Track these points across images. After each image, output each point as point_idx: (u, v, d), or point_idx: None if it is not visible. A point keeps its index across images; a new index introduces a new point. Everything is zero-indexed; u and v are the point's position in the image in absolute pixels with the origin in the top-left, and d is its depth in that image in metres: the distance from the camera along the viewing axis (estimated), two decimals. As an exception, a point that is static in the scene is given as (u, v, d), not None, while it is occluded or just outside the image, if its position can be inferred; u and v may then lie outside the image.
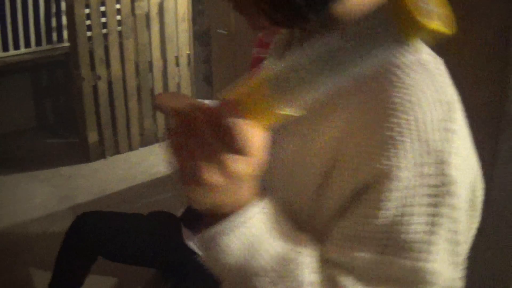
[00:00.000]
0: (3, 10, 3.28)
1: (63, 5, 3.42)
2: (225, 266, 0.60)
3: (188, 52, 3.53)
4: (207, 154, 0.53)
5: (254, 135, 0.53)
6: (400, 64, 0.59)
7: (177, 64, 3.52)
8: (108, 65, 3.21)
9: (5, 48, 3.40)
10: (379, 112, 0.58)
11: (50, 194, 2.91)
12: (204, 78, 3.56)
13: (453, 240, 0.59)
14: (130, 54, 3.27)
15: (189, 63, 3.56)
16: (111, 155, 3.37)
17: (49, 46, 3.53)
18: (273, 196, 0.64)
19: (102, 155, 3.34)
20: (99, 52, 3.15)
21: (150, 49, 3.37)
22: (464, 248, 0.63)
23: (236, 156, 0.52)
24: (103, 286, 2.14)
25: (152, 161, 3.29)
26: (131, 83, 3.33)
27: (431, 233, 0.57)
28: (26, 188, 2.96)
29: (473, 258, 2.00)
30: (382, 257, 0.58)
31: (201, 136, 0.53)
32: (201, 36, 3.49)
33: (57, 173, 3.15)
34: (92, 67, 3.15)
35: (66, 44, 3.48)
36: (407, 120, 0.56)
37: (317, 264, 0.61)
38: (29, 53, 3.48)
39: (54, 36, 3.55)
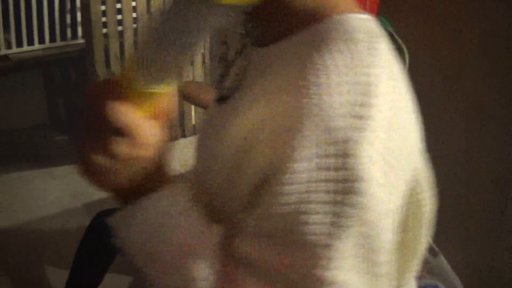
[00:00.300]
0: (18, 6, 3.31)
1: (78, 2, 3.45)
2: (129, 249, 0.59)
3: (202, 51, 3.55)
4: (95, 136, 0.53)
5: (135, 116, 0.52)
6: (320, 44, 0.54)
7: (191, 63, 3.54)
8: (123, 62, 3.23)
9: (19, 44, 3.43)
10: (282, 96, 0.53)
11: (64, 191, 2.94)
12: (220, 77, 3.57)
13: (367, 246, 0.51)
14: (145, 52, 3.29)
15: (203, 62, 3.58)
16: (124, 153, 3.39)
17: (63, 43, 3.56)
18: (196, 180, 0.63)
19: (115, 153, 3.36)
20: (114, 50, 3.18)
21: (165, 47, 3.39)
22: (388, 257, 0.54)
23: (118, 138, 0.52)
24: (120, 284, 2.16)
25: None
26: (146, 80, 3.35)
27: (334, 236, 0.50)
28: (40, 185, 2.99)
29: (490, 259, 1.99)
30: (280, 259, 0.52)
31: (93, 118, 0.53)
32: (216, 34, 3.51)
33: (70, 170, 3.17)
34: (107, 64, 3.18)
35: (81, 41, 3.50)
36: (309, 104, 0.50)
37: (216, 259, 0.57)
38: (43, 49, 3.51)
39: (69, 32, 3.58)
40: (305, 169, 0.49)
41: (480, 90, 1.92)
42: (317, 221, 0.50)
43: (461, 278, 1.93)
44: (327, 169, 0.49)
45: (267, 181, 0.53)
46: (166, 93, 0.54)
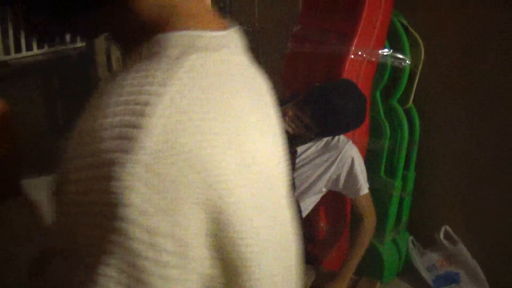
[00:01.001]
0: (16, 10, 3.36)
1: (77, 5, 3.49)
2: None
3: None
4: None
5: None
6: (128, 64, 0.55)
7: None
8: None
9: (18, 49, 3.48)
10: (79, 118, 0.54)
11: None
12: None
13: (134, 277, 0.50)
14: (147, 53, 3.35)
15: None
16: (128, 157, 3.42)
17: (62, 47, 3.61)
18: None
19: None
20: (115, 52, 3.24)
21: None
22: None
23: None
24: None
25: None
26: (148, 82, 3.41)
27: (100, 261, 0.49)
28: (42, 193, 3.00)
29: (509, 249, 2.07)
30: (69, 278, 0.52)
31: None
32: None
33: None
34: (109, 67, 3.23)
35: (80, 44, 3.56)
36: (84, 127, 0.51)
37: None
38: (42, 53, 3.56)
39: (67, 36, 3.62)
40: (74, 191, 0.50)
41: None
42: (85, 243, 0.50)
43: (481, 266, 2.01)
44: (92, 192, 0.49)
45: (54, 201, 0.54)
46: None
